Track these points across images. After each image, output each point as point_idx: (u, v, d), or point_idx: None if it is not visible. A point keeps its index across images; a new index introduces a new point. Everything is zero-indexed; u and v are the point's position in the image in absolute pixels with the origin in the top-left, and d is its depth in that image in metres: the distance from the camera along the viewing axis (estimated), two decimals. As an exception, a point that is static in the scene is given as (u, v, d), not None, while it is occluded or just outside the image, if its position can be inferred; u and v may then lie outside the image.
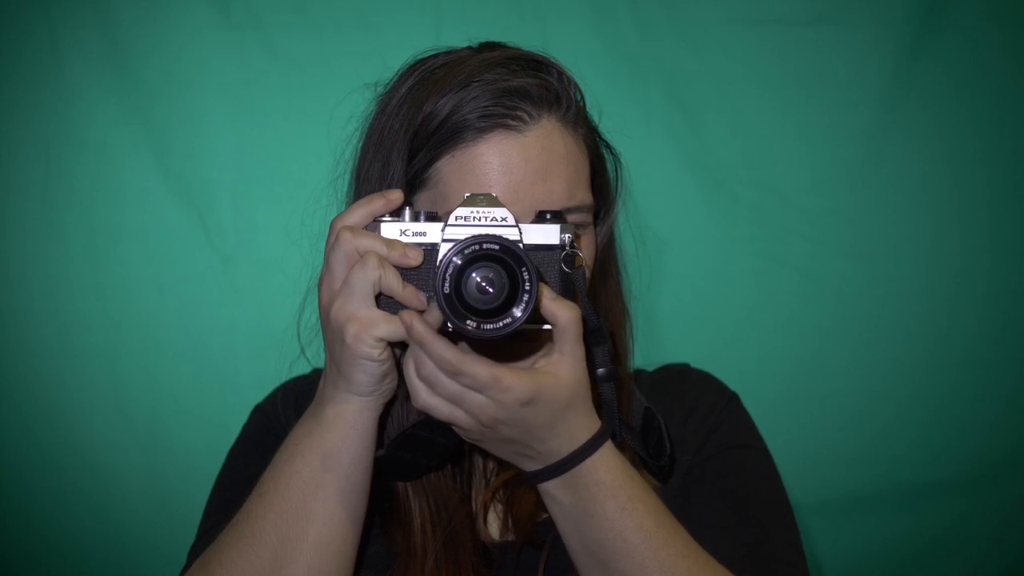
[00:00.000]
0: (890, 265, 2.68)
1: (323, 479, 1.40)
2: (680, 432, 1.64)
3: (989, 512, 2.71)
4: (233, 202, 2.59)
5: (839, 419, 2.69)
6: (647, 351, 1.84)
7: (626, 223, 1.71)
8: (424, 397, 1.33)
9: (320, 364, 1.56)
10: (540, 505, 1.54)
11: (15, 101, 2.54)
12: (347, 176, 1.60)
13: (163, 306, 2.58)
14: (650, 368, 1.83)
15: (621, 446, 1.46)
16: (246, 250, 2.60)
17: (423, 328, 1.29)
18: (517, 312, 1.28)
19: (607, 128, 1.64)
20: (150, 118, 2.55)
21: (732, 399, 1.73)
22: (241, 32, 2.57)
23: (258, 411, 1.76)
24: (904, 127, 2.66)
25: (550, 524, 1.45)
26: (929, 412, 2.70)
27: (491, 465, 1.62)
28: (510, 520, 1.59)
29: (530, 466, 1.37)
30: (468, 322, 1.27)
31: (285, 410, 1.65)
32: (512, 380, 1.28)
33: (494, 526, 1.61)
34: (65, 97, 2.54)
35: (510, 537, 1.58)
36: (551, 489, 1.37)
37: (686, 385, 1.75)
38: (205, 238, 2.59)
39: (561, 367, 1.32)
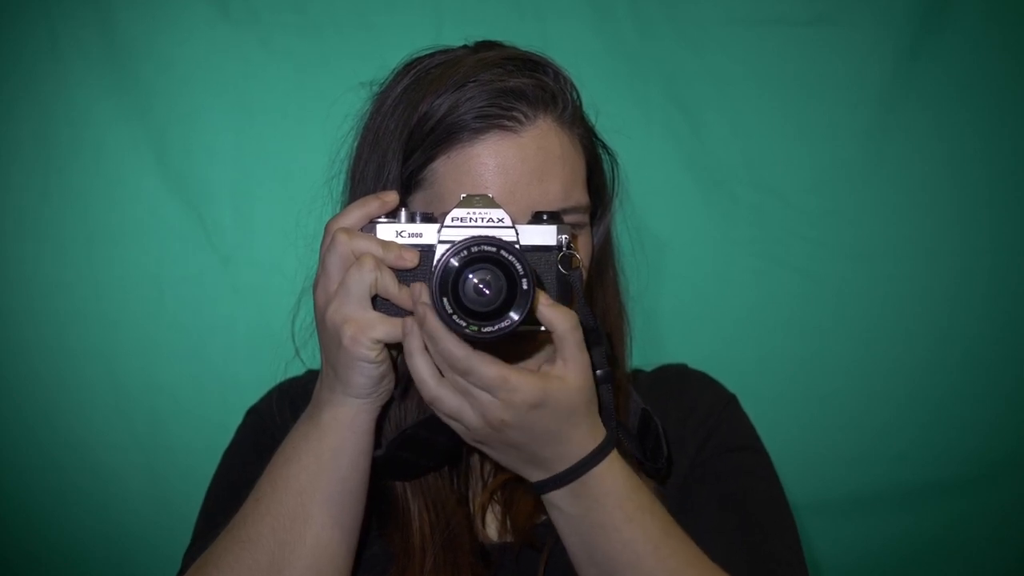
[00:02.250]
0: (890, 266, 2.67)
1: (320, 482, 1.39)
2: (679, 433, 1.63)
3: (989, 512, 2.70)
4: (232, 201, 2.58)
5: (839, 419, 2.68)
6: (647, 352, 1.84)
7: (623, 223, 1.71)
8: (432, 388, 1.33)
9: (315, 365, 1.56)
10: (538, 507, 1.53)
11: (15, 101, 2.53)
12: (342, 176, 1.60)
13: (162, 306, 2.57)
14: (648, 368, 1.83)
15: (619, 448, 1.45)
16: (245, 250, 2.59)
17: (436, 322, 1.28)
18: (514, 315, 1.28)
19: (606, 128, 1.64)
20: (149, 116, 2.55)
21: (730, 401, 1.73)
22: (240, 30, 2.56)
23: (253, 412, 1.75)
24: (904, 127, 2.65)
25: (549, 526, 1.44)
26: (929, 412, 2.69)
27: (488, 466, 1.61)
28: (508, 522, 1.58)
29: (535, 475, 1.36)
30: (465, 324, 1.27)
31: (280, 412, 1.65)
32: (520, 381, 1.28)
33: (492, 528, 1.60)
34: (64, 96, 2.53)
35: (508, 539, 1.58)
36: (556, 500, 1.36)
37: (684, 386, 1.75)
38: (204, 238, 2.58)
39: (568, 373, 1.31)
